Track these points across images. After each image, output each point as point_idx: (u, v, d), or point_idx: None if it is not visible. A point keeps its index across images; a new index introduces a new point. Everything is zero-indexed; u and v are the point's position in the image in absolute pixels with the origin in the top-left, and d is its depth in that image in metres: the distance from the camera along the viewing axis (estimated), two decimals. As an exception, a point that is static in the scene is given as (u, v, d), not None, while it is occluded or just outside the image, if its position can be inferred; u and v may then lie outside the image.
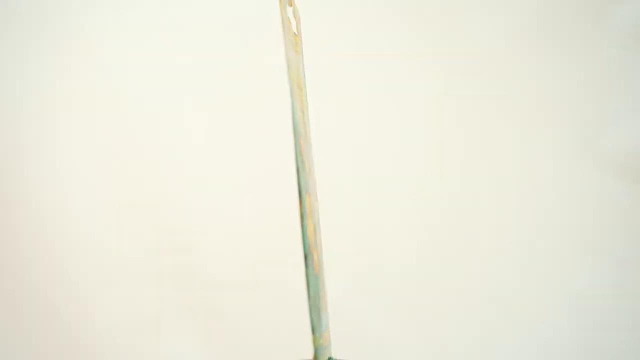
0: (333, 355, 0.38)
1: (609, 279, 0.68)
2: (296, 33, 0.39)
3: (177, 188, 0.72)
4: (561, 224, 0.70)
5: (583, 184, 0.69)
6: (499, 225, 0.71)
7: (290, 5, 0.38)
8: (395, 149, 0.72)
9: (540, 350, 0.68)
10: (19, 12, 0.72)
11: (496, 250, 0.70)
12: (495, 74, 0.71)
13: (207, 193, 0.75)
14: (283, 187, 0.53)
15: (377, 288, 0.71)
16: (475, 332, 0.70)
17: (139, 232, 0.74)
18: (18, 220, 0.73)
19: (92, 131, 0.75)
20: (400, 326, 0.71)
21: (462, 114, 0.71)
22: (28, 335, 0.72)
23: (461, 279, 0.70)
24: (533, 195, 0.70)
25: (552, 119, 0.70)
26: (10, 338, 0.72)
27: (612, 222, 0.69)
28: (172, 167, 0.74)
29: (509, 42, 0.71)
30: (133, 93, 0.73)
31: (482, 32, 0.71)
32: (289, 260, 0.54)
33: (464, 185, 0.71)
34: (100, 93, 0.74)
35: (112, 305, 0.73)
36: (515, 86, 0.70)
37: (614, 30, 0.67)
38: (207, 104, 0.75)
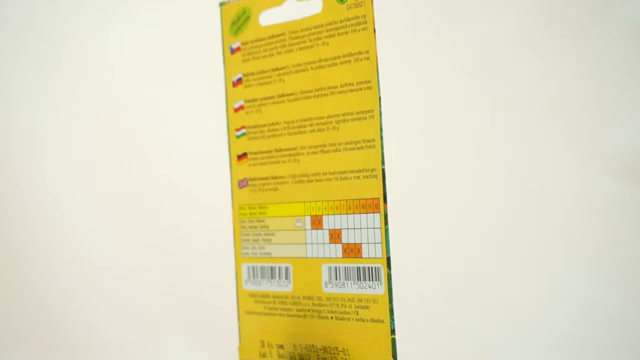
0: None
1: (613, 279, 0.67)
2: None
3: (176, 188, 0.71)
4: (563, 224, 0.68)
5: (585, 184, 0.68)
6: (498, 226, 0.69)
7: None
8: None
9: (545, 351, 0.67)
10: (11, 12, 0.71)
11: (496, 251, 0.69)
12: (496, 73, 0.69)
13: (207, 193, 0.71)
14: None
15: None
16: (477, 334, 0.69)
17: (138, 232, 0.72)
18: (15, 221, 0.71)
19: (88, 130, 0.72)
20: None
21: (462, 113, 0.69)
22: (26, 335, 0.70)
23: (462, 282, 0.69)
24: (534, 195, 0.69)
25: (553, 119, 0.69)
26: (8, 338, 0.70)
27: (614, 222, 0.68)
28: (169, 167, 0.71)
29: (510, 42, 0.69)
30: (126, 89, 0.71)
31: (482, 32, 0.69)
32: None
33: (464, 185, 0.69)
34: (93, 90, 0.72)
35: (112, 305, 0.71)
36: (517, 86, 0.68)
37: (617, 30, 0.67)
38: (204, 105, 0.72)
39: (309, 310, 0.41)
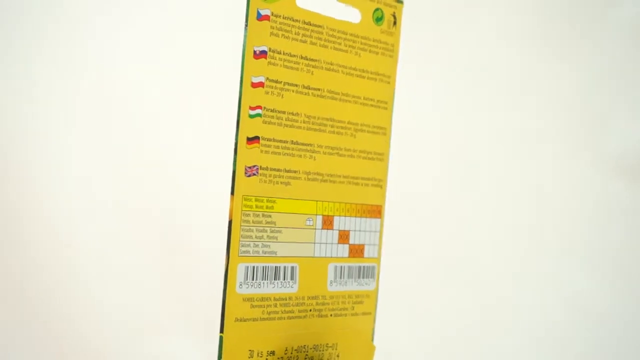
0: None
1: (608, 278, 0.69)
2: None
3: (177, 188, 0.69)
4: (561, 223, 0.69)
5: (583, 183, 0.69)
6: (497, 224, 0.69)
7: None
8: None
9: (538, 348, 0.68)
10: (20, 13, 0.69)
11: (494, 250, 0.69)
12: (495, 74, 0.70)
13: (209, 193, 0.67)
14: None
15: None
16: (472, 331, 0.68)
17: (139, 232, 0.69)
18: (20, 220, 0.68)
19: (94, 132, 0.70)
20: None
21: (461, 113, 0.69)
22: (28, 334, 0.67)
23: (459, 280, 0.69)
24: (532, 194, 0.69)
25: (552, 119, 0.70)
26: (12, 337, 0.68)
27: (612, 221, 0.69)
28: (172, 167, 0.69)
29: (509, 42, 0.70)
30: (133, 93, 0.69)
31: (482, 32, 0.70)
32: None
33: (462, 183, 0.69)
34: (99, 93, 0.69)
35: (112, 305, 0.69)
36: (516, 86, 0.70)
37: (614, 31, 0.69)
38: (209, 105, 0.71)
39: (310, 310, 0.41)
